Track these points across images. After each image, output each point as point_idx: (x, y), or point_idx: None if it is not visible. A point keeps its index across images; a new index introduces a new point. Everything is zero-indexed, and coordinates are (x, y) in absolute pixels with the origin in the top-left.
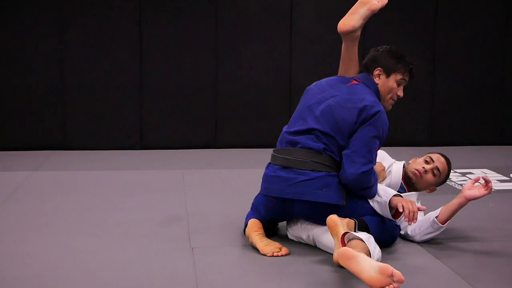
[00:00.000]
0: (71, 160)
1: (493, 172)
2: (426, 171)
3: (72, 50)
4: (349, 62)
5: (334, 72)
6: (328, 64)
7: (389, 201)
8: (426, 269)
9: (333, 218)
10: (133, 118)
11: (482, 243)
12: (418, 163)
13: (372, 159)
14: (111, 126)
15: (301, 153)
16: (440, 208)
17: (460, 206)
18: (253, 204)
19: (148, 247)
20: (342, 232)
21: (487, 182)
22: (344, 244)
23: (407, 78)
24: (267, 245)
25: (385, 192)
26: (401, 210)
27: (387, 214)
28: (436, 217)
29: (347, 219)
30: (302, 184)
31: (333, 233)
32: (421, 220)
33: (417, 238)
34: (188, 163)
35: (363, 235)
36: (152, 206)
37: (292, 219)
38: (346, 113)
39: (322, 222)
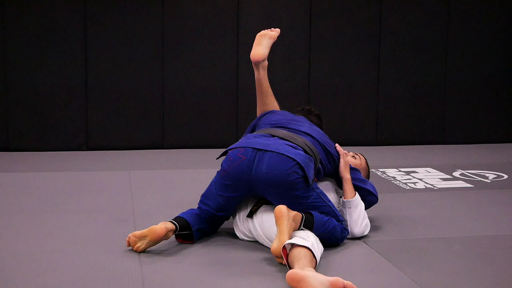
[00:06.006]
0: (15, 162)
1: (436, 171)
2: (346, 154)
3: (15, 49)
4: (267, 90)
5: (279, 71)
6: (273, 64)
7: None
8: (370, 267)
9: (281, 208)
10: (79, 119)
11: (426, 240)
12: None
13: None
14: (56, 126)
15: (299, 138)
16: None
17: (349, 182)
18: (200, 199)
19: (94, 249)
20: (286, 226)
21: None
22: (285, 254)
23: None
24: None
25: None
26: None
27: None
28: (344, 198)
29: (295, 212)
30: (282, 147)
31: (277, 223)
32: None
33: (355, 229)
34: (135, 164)
35: (306, 241)
36: (98, 207)
37: (249, 192)
38: (327, 140)
39: (283, 197)
